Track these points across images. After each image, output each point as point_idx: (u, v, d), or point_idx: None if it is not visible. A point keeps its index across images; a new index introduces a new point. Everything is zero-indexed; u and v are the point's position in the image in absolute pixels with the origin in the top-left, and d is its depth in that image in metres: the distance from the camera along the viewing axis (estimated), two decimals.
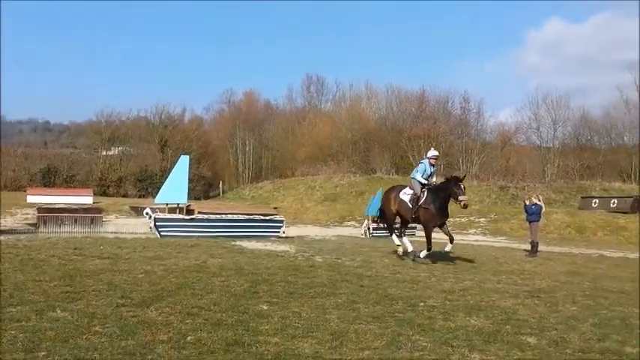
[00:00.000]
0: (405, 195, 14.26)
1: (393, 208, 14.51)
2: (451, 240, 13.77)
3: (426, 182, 13.94)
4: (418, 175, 14.03)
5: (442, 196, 13.54)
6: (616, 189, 43.70)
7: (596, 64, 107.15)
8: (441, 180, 14.26)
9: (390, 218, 14.89)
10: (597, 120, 58.23)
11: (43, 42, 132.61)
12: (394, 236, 14.73)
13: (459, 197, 13.18)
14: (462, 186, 13.36)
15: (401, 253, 14.33)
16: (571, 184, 46.15)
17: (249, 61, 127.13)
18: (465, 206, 13.41)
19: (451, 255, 14.26)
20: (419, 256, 13.63)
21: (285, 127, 68.97)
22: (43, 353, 5.11)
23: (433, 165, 14.21)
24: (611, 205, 36.59)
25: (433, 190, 13.75)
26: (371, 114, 66.51)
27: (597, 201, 37.84)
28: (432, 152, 14.53)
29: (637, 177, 50.21)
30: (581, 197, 40.14)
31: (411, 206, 14.00)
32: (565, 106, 58.73)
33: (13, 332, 5.65)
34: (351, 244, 18.95)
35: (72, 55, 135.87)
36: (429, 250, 13.67)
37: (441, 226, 13.98)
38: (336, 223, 34.03)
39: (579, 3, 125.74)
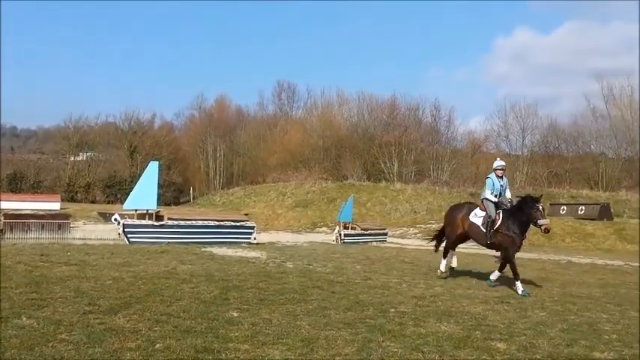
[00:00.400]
0: (477, 217, 12.33)
1: (460, 229, 12.68)
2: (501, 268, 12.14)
3: (497, 201, 12.10)
4: (488, 194, 12.14)
5: (521, 219, 11.71)
6: (584, 196, 44.43)
7: (564, 73, 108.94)
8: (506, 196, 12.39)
9: (453, 240, 13.02)
10: (565, 128, 59.22)
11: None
12: (444, 262, 12.98)
13: (539, 221, 11.39)
14: (541, 207, 11.59)
15: (443, 276, 12.73)
16: (540, 191, 46.75)
17: (221, 66, 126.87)
18: (547, 231, 11.64)
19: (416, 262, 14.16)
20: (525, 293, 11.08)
21: (257, 134, 68.86)
22: None
23: (501, 177, 12.28)
24: (579, 212, 37.18)
25: (509, 212, 11.90)
26: (342, 121, 66.76)
27: (565, 208, 38.43)
28: (498, 162, 12.49)
29: (604, 184, 51.08)
30: (550, 204, 40.70)
31: (484, 230, 12.09)
32: (533, 115, 59.70)
33: None
34: (323, 250, 18.93)
35: (39, 56, 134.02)
36: (517, 278, 11.37)
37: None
38: (308, 230, 34.08)
39: (548, 7, 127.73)
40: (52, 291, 8.24)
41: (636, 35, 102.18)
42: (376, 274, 12.54)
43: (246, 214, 24.99)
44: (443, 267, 12.97)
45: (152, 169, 17.86)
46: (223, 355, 5.60)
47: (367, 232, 27.82)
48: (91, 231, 22.62)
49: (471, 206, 12.83)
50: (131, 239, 16.84)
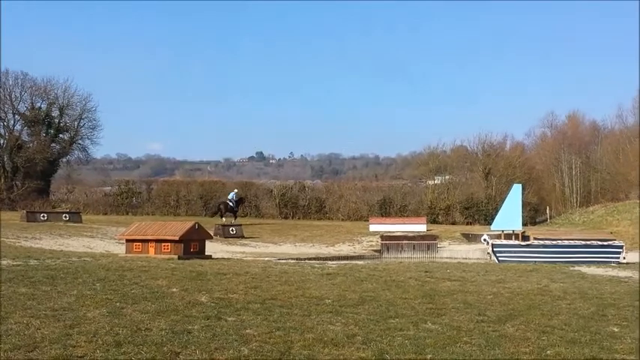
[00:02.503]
0: None
1: None
2: None
3: None
4: None
5: None
6: None
7: None
8: None
9: None
10: None
11: None
12: None
13: None
14: None
15: None
16: None
17: (572, 82, 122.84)
18: None
19: None
20: None
21: (615, 148, 64.94)
22: (429, 356, 6.21)
23: None
24: None
25: None
26: None
27: None
28: None
29: None
30: None
31: None
32: None
33: (399, 339, 6.87)
34: None
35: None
36: None
37: None
38: None
39: None
40: (444, 302, 9.53)
41: None
42: None
43: (610, 233, 24.21)
44: None
45: (515, 192, 18.68)
46: None
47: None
48: (456, 251, 24.27)
49: None
50: (500, 258, 17.80)
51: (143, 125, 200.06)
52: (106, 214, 44.68)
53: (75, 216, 32.36)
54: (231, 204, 36.20)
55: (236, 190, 39.22)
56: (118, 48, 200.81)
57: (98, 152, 68.07)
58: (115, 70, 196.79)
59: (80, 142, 54.73)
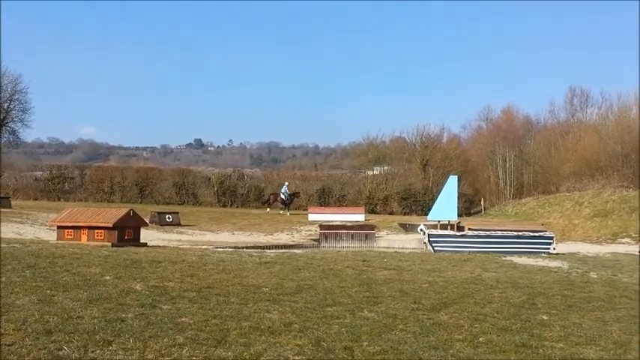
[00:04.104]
0: None
1: None
2: None
3: None
4: None
5: None
6: None
7: None
8: None
9: None
10: None
11: None
12: None
13: None
14: None
15: None
16: None
17: (507, 76, 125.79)
18: None
19: None
20: None
21: (547, 142, 66.94)
22: (365, 343, 6.26)
23: None
24: None
25: None
26: None
27: None
28: None
29: None
30: None
31: None
32: None
33: (336, 327, 6.91)
34: (628, 260, 18.24)
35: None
36: None
37: None
38: (609, 241, 32.44)
39: None
40: (380, 291, 9.64)
41: None
42: None
43: (542, 224, 24.92)
44: None
45: (452, 183, 19.04)
46: (541, 350, 6.28)
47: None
48: (394, 240, 24.56)
49: None
50: (436, 248, 18.12)
51: (76, 108, 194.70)
52: (36, 199, 43.43)
53: (4, 201, 31.23)
54: (282, 196, 38.45)
55: (287, 184, 40.94)
56: (49, 30, 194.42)
57: (29, 136, 66.29)
58: (46, 51, 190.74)
59: (10, 124, 52.88)
